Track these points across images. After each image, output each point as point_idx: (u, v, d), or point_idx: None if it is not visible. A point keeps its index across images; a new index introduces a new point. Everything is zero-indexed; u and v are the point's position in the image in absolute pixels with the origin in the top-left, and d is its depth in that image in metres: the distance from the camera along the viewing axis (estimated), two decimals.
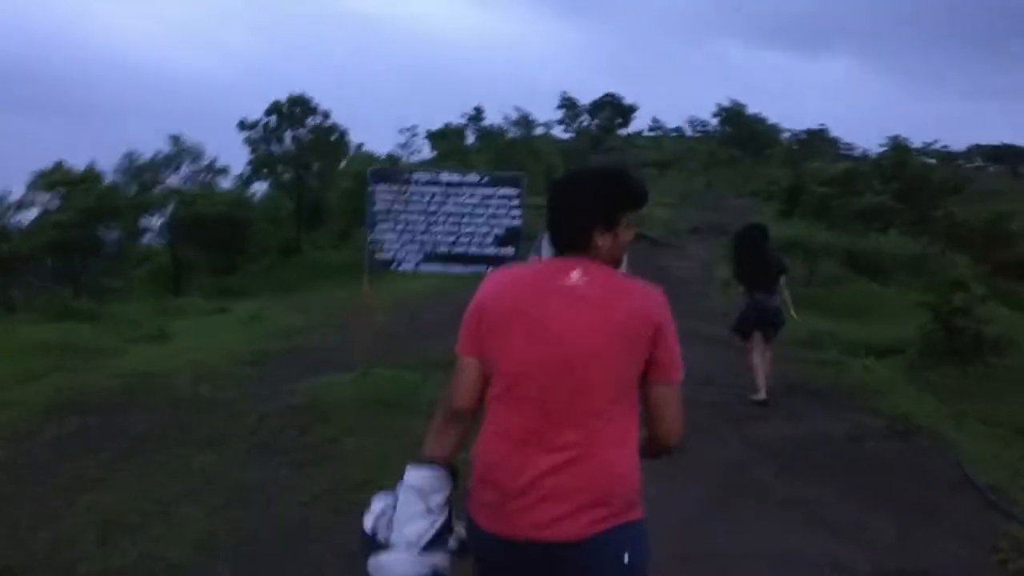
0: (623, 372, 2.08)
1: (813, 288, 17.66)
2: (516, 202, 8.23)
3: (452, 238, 8.24)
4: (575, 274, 2.12)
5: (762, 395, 8.41)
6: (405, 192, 8.27)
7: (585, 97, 77.90)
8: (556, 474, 2.02)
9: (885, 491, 5.97)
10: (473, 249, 8.23)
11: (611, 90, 79.16)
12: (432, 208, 8.27)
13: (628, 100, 78.27)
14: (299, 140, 31.28)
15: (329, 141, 31.11)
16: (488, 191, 8.23)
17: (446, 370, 7.85)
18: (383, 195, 8.31)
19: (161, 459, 6.16)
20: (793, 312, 8.97)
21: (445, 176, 8.35)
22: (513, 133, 72.20)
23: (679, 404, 2.16)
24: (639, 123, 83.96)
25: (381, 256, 8.33)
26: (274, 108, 30.67)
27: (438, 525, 2.11)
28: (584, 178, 2.29)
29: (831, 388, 9.50)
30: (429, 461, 2.18)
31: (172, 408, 7.59)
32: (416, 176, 8.38)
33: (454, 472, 2.19)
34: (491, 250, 8.22)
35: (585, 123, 78.50)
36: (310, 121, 31.19)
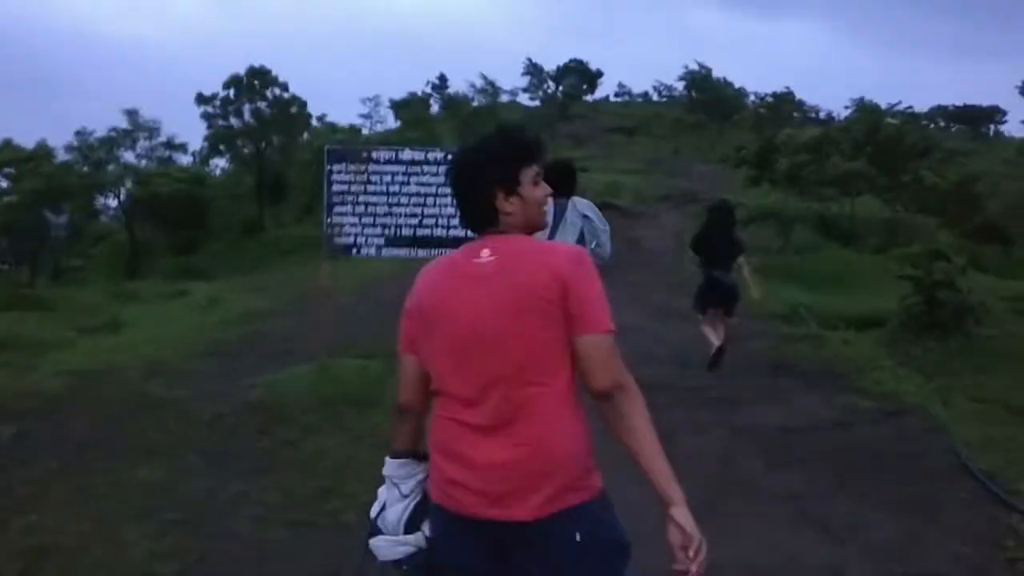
0: (544, 341, 2.02)
1: (787, 257, 17.40)
2: None
3: (416, 220, 7.76)
4: (485, 253, 2.10)
5: (715, 343, 8.61)
6: (364, 172, 7.76)
7: (551, 63, 77.19)
8: (502, 456, 2.01)
9: (880, 483, 5.65)
10: (439, 232, 7.76)
11: (576, 56, 78.39)
12: (394, 189, 7.78)
13: (594, 66, 77.64)
14: (259, 113, 30.36)
15: (289, 114, 30.21)
16: None
17: None
18: (341, 176, 7.79)
19: (104, 472, 5.65)
20: (754, 292, 9.05)
21: (407, 154, 7.84)
22: (479, 101, 71.50)
23: (603, 354, 2.03)
24: (605, 89, 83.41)
25: (340, 241, 7.83)
26: (232, 81, 29.68)
27: (411, 508, 2.19)
28: (471, 147, 2.26)
29: (812, 366, 9.21)
30: (395, 452, 2.25)
31: (118, 411, 7.06)
32: (376, 155, 7.86)
33: (422, 457, 2.23)
34: (459, 232, 7.74)
35: (551, 90, 77.84)
36: (269, 94, 30.25)
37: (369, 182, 7.77)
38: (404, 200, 7.76)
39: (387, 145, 12.69)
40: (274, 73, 29.11)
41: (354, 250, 7.84)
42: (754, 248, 20.31)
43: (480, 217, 2.18)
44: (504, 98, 78.39)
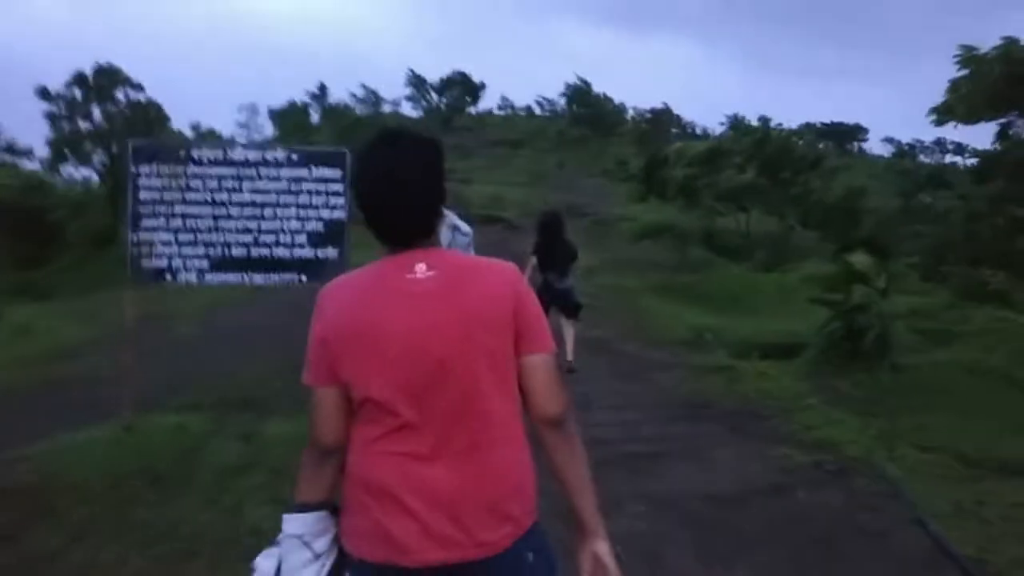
0: (495, 362, 1.87)
1: (684, 275, 16.38)
2: (339, 187, 6.14)
3: (251, 237, 6.07)
4: (420, 268, 1.87)
5: (568, 359, 8.75)
6: (182, 176, 6.03)
7: (433, 75, 76.24)
8: (449, 490, 1.82)
9: None
10: (281, 251, 6.10)
11: (459, 68, 77.49)
12: (222, 197, 6.07)
13: (477, 78, 77.00)
14: (110, 116, 27.58)
15: (145, 118, 27.57)
16: (300, 172, 6.10)
17: (256, 410, 5.60)
18: (151, 180, 6.03)
19: None
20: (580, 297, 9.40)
21: (240, 153, 6.13)
22: (360, 111, 69.60)
23: (552, 375, 1.93)
24: (488, 101, 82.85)
25: (150, 264, 6.05)
26: (78, 79, 26.79)
27: (328, 567, 1.90)
28: (408, 148, 1.91)
29: (730, 404, 7.96)
30: (304, 506, 1.91)
31: None
32: (198, 153, 6.11)
33: (336, 510, 1.93)
34: (306, 252, 6.11)
35: (434, 101, 76.78)
36: (122, 96, 27.53)
37: (189, 188, 6.04)
38: (235, 212, 6.06)
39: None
40: (126, 73, 26.49)
41: (168, 275, 6.07)
42: (650, 266, 19.50)
43: (417, 229, 1.91)
44: (386, 108, 76.85)
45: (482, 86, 77.70)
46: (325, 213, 6.12)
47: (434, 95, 77.40)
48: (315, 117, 71.71)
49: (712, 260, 18.63)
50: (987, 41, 13.79)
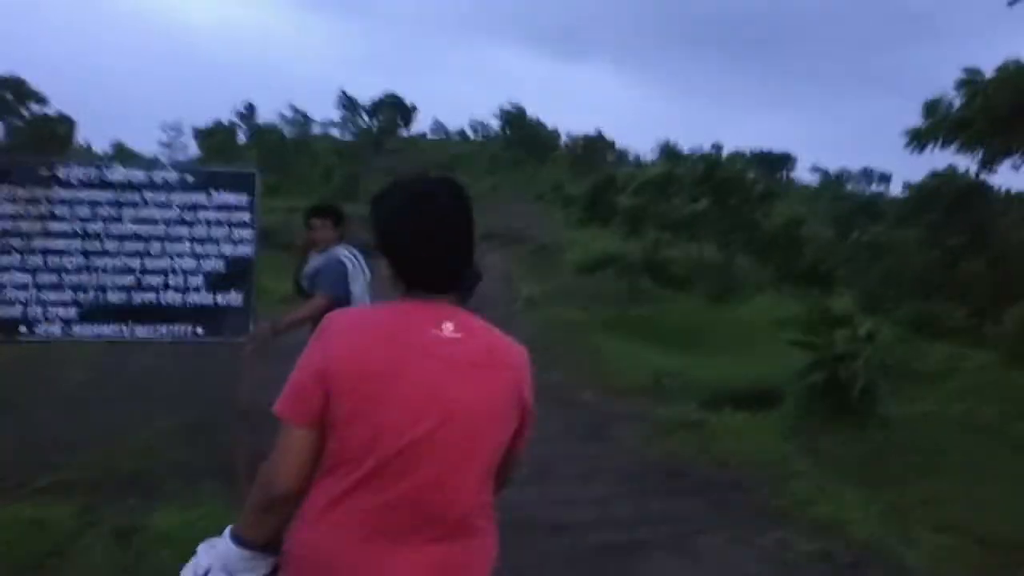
0: (493, 452, 1.77)
1: (633, 308, 15.38)
2: (245, 215, 4.93)
3: (133, 279, 4.80)
4: (448, 326, 1.71)
5: None
6: (44, 201, 4.73)
7: (364, 96, 75.33)
8: (431, 565, 1.69)
9: None
10: (171, 297, 4.83)
11: (390, 90, 76.63)
12: (96, 228, 4.79)
13: (409, 100, 76.26)
14: (13, 130, 25.53)
15: (53, 133, 25.61)
16: (196, 198, 4.86)
17: (142, 493, 3.81)
18: (2, 206, 4.72)
19: None
20: None
21: (119, 172, 4.86)
22: (288, 132, 68.02)
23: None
24: (421, 124, 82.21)
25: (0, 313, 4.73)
26: None
27: None
28: (455, 194, 1.79)
29: (708, 471, 6.92)
30: (243, 541, 1.70)
31: None
32: (65, 172, 4.82)
33: (275, 551, 1.73)
34: (202, 298, 4.86)
35: (365, 123, 75.78)
36: (26, 111, 25.49)
37: (53, 217, 4.75)
38: (112, 246, 4.79)
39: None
40: (31, 85, 24.53)
41: (23, 327, 4.75)
42: (596, 297, 18.52)
43: (453, 281, 1.78)
44: (316, 130, 75.55)
45: (414, 108, 76.99)
46: (228, 249, 4.89)
47: (365, 117, 76.35)
48: (242, 137, 69.99)
49: (658, 292, 17.73)
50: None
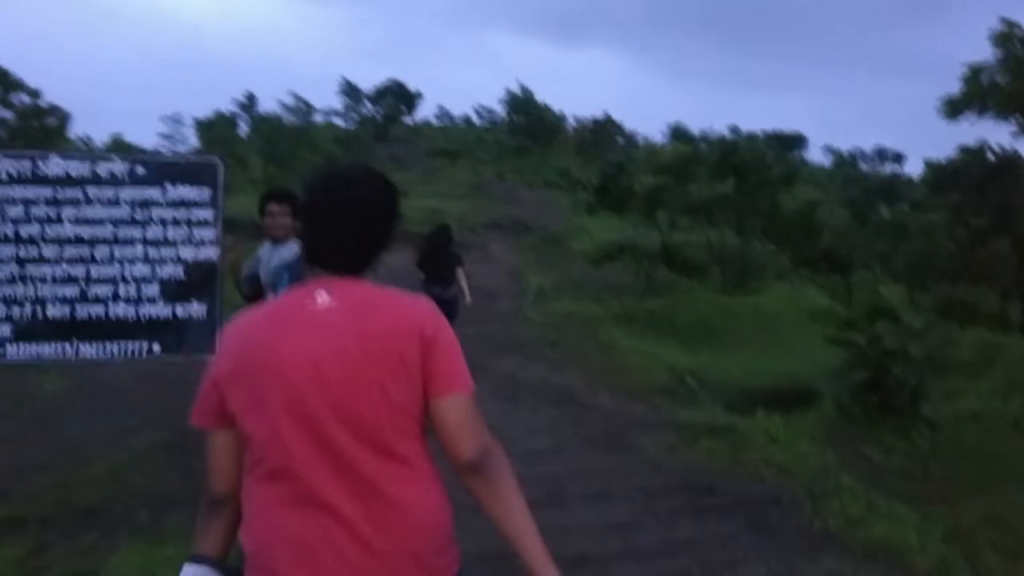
0: (398, 401, 1.72)
1: (648, 300, 14.60)
2: (207, 213, 4.23)
3: (76, 289, 4.12)
4: (321, 296, 1.77)
5: None
6: None
7: (367, 84, 74.55)
8: (350, 542, 1.67)
9: None
10: (121, 310, 4.15)
11: (393, 77, 75.76)
12: (31, 231, 4.11)
13: (413, 87, 75.38)
14: (2, 122, 24.77)
15: (44, 126, 24.85)
16: (149, 193, 4.17)
17: (101, 527, 4.01)
18: None
19: None
20: (468, 298, 9.55)
21: (56, 165, 4.16)
22: (290, 121, 67.29)
23: (465, 417, 1.77)
24: (425, 111, 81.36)
25: None
26: None
27: None
28: (365, 184, 1.88)
29: (741, 485, 6.22)
30: (198, 557, 1.77)
31: None
32: None
33: (229, 570, 1.78)
34: (158, 309, 4.18)
35: (368, 111, 75.03)
36: (16, 101, 24.71)
37: None
38: (51, 252, 4.11)
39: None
40: (16, 76, 23.72)
41: None
42: (608, 288, 17.75)
43: (354, 265, 1.82)
44: (318, 118, 74.81)
45: (418, 95, 76.11)
46: (187, 252, 4.21)
47: (368, 104, 75.62)
48: (244, 128, 69.38)
49: (674, 281, 16.93)
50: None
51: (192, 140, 58.76)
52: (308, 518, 1.68)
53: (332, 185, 1.86)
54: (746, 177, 18.06)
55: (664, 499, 5.96)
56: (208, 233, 4.18)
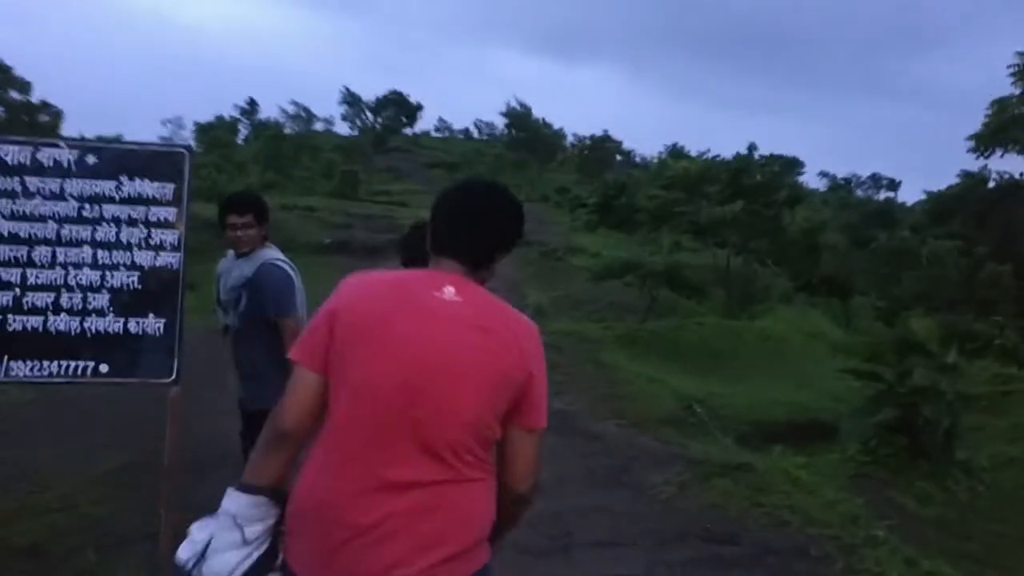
0: (487, 409, 1.81)
1: (651, 321, 13.96)
2: (168, 212, 3.62)
3: (7, 298, 3.50)
4: (448, 290, 1.84)
5: None
6: None
7: (369, 94, 74.45)
8: (405, 514, 1.75)
9: None
10: (62, 323, 3.53)
11: (394, 88, 75.59)
12: None
13: (414, 99, 75.22)
14: None
15: (35, 122, 24.20)
16: (99, 187, 3.55)
17: (43, 566, 3.40)
18: None
19: None
20: None
21: None
22: (291, 128, 67.03)
23: (538, 452, 1.91)
24: (425, 123, 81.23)
25: None
26: None
27: (254, 559, 1.80)
28: (506, 197, 2.02)
29: (765, 535, 5.61)
30: (246, 487, 1.83)
31: None
32: None
33: (282, 499, 1.84)
34: (107, 323, 3.56)
35: (368, 121, 74.87)
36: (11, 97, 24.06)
37: None
38: None
39: None
40: (10, 69, 23.07)
41: None
42: (609, 308, 17.17)
43: (478, 259, 1.92)
44: (319, 126, 74.74)
45: (418, 107, 75.92)
46: (144, 257, 3.59)
47: (369, 115, 75.45)
48: (244, 132, 69.16)
49: (675, 302, 16.36)
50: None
51: (192, 143, 58.40)
52: (373, 489, 1.74)
53: (490, 189, 2.02)
54: (755, 198, 17.54)
55: (679, 547, 5.34)
56: (170, 235, 3.56)
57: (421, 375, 1.75)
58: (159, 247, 3.57)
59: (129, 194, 3.55)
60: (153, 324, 3.56)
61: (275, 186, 38.33)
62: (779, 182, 22.32)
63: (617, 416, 8.24)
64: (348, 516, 1.74)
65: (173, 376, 3.58)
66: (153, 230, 3.57)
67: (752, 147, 35.07)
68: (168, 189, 3.58)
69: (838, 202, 59.46)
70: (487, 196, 1.99)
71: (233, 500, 1.80)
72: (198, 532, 1.83)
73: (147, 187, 3.55)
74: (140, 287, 3.55)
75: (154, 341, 3.56)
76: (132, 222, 3.54)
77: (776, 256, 23.81)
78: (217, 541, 1.78)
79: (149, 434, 6.48)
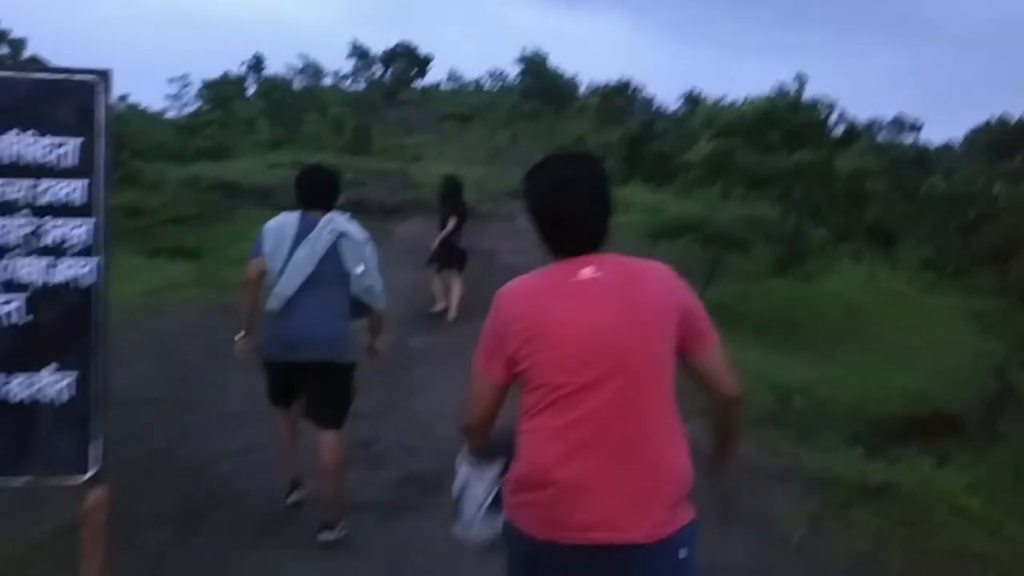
0: (663, 356, 2.05)
1: (717, 292, 12.16)
2: (72, 187, 2.08)
3: None
4: (588, 270, 2.08)
5: (439, 307, 10.25)
6: None
7: (377, 47, 72.43)
8: (616, 473, 1.97)
9: None
10: None
11: (403, 40, 73.48)
12: None
13: (423, 51, 73.10)
14: None
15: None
16: None
17: None
18: None
19: None
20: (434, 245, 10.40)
21: None
22: (299, 83, 65.28)
23: (724, 359, 2.14)
24: (436, 74, 79.13)
25: None
26: None
27: (495, 493, 2.23)
28: (587, 168, 2.24)
29: None
30: (473, 455, 2.30)
31: None
32: None
33: (501, 453, 2.19)
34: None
35: (378, 74, 73.01)
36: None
37: None
38: None
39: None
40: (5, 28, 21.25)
41: None
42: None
43: (597, 240, 2.14)
44: (327, 81, 73.07)
45: (428, 59, 73.86)
46: (31, 269, 2.05)
47: (378, 68, 73.56)
48: (252, 89, 67.61)
49: (729, 263, 14.60)
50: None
51: (199, 101, 56.98)
52: (589, 438, 1.96)
53: (586, 169, 2.22)
54: (802, 143, 15.78)
55: None
56: (80, 231, 2.05)
57: (600, 351, 1.98)
58: (57, 250, 2.04)
59: (6, 159, 2.00)
60: (52, 383, 2.05)
61: (284, 143, 36.75)
62: (824, 126, 20.40)
63: (701, 412, 6.73)
64: (561, 479, 1.95)
65: (91, 471, 2.07)
66: (46, 220, 2.03)
67: (783, 89, 32.87)
68: (69, 148, 2.03)
69: (864, 147, 57.32)
70: (572, 179, 2.16)
71: (462, 461, 2.32)
72: (461, 470, 2.34)
73: (29, 146, 2.00)
74: (25, 321, 2.03)
75: (55, 413, 2.04)
76: (5, 208, 2.00)
77: (821, 205, 22.07)
78: (469, 479, 2.29)
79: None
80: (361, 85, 71.30)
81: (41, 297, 2.04)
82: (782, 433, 6.54)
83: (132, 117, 32.68)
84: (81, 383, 2.08)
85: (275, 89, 56.75)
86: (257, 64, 70.27)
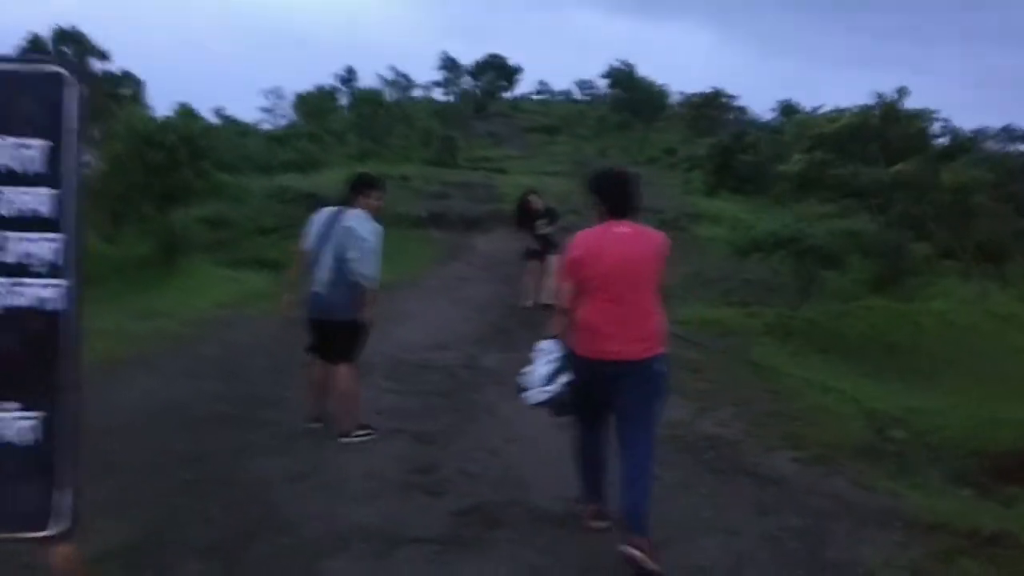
0: (654, 274, 4.04)
1: (811, 310, 11.41)
2: (35, 197, 1.80)
3: None
4: (623, 228, 4.02)
5: (529, 303, 11.19)
6: None
7: (467, 58, 72.92)
8: (624, 326, 3.94)
9: None
10: None
11: (493, 52, 73.84)
12: None
13: (513, 62, 73.28)
14: None
15: (115, 93, 23.23)
16: None
17: None
18: None
19: None
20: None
21: None
22: (389, 95, 66.09)
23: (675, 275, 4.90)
24: (525, 86, 79.15)
25: None
26: (32, 42, 22.33)
27: (555, 367, 4.12)
28: (625, 174, 4.42)
29: None
30: (549, 336, 4.23)
31: None
32: None
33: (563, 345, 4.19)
34: None
35: (468, 85, 73.49)
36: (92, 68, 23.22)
37: None
38: None
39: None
40: (91, 39, 22.10)
41: None
42: (757, 291, 14.55)
43: (634, 213, 4.13)
44: (417, 93, 73.80)
45: (517, 70, 74.01)
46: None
47: (468, 79, 74.07)
48: (344, 101, 68.70)
49: (822, 280, 13.80)
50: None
51: (293, 115, 58.29)
52: (614, 310, 3.95)
53: (628, 174, 4.36)
54: (904, 155, 14.85)
55: None
56: (43, 247, 1.77)
57: (627, 264, 3.98)
58: (21, 270, 1.76)
59: None
60: (15, 424, 1.76)
61: (372, 155, 37.16)
62: (926, 137, 19.27)
63: (793, 445, 6.16)
64: (599, 328, 3.96)
65: (57, 526, 1.78)
66: (6, 235, 1.75)
67: (882, 98, 31.49)
68: (33, 152, 1.76)
69: (972, 158, 54.62)
70: (626, 176, 4.32)
71: (543, 343, 4.22)
72: (538, 347, 4.27)
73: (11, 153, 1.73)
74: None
75: (18, 456, 1.76)
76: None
77: (922, 220, 20.89)
78: (538, 362, 4.17)
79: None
80: (450, 97, 71.89)
81: (2, 325, 1.78)
82: (879, 468, 5.93)
83: (223, 129, 33.55)
84: (47, 423, 1.80)
85: (365, 102, 57.54)
86: (349, 77, 71.62)
